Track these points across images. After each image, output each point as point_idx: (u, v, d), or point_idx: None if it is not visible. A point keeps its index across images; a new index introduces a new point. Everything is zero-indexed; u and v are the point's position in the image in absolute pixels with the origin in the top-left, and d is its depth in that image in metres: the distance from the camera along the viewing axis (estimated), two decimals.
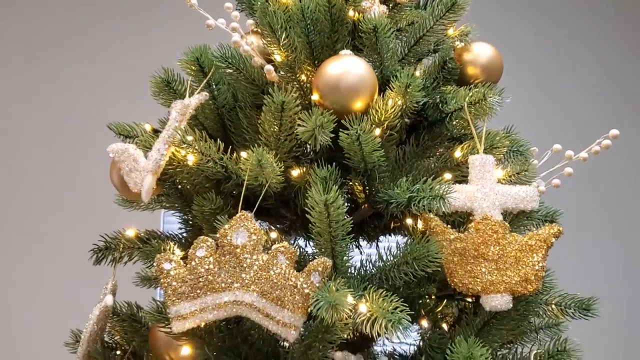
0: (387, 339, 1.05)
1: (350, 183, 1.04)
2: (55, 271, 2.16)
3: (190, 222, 1.15)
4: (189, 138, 0.95)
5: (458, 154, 1.00)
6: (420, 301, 0.96)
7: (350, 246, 1.00)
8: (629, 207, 2.72)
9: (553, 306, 1.07)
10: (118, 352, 1.07)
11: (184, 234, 1.15)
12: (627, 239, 2.70)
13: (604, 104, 2.79)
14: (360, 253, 1.10)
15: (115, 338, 1.09)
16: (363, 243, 1.16)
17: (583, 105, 2.77)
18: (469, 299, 1.05)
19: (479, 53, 1.14)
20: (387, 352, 1.09)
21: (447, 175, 0.96)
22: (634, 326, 2.59)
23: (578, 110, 2.74)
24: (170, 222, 1.20)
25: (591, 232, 2.62)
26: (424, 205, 0.87)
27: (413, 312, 0.81)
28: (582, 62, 2.83)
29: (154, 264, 0.87)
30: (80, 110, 2.41)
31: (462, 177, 1.00)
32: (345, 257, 0.91)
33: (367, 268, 0.95)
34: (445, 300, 0.99)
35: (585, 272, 2.49)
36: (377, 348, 1.10)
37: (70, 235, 1.75)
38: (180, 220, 1.20)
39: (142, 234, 1.12)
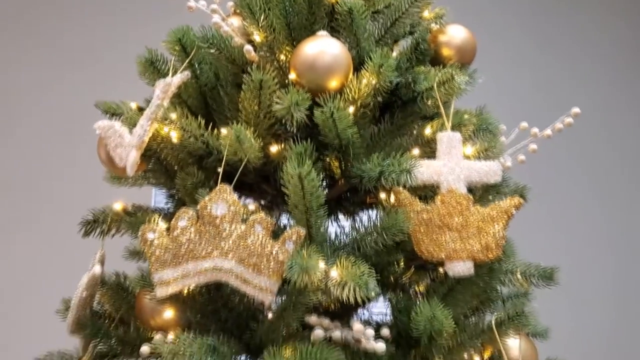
0: (365, 307, 1.11)
1: (327, 159, 1.09)
2: (47, 244, 2.22)
3: (175, 197, 1.21)
4: (172, 115, 1.00)
5: (428, 131, 1.06)
6: (389, 268, 1.02)
7: (329, 220, 1.06)
8: (607, 183, 2.78)
9: (518, 275, 1.14)
10: (106, 321, 1.12)
11: (170, 208, 1.20)
12: (604, 214, 2.77)
13: (582, 81, 2.84)
14: (339, 227, 1.16)
15: (104, 306, 1.14)
16: (342, 218, 1.22)
17: (562, 84, 2.82)
18: (441, 269, 1.12)
19: (454, 35, 1.19)
20: (363, 319, 1.15)
21: (415, 151, 1.02)
22: (615, 298, 2.67)
23: (556, 89, 2.79)
24: (161, 202, 1.26)
25: (570, 208, 2.69)
26: (392, 179, 0.93)
27: (379, 277, 0.87)
28: (562, 40, 2.87)
29: (139, 234, 0.93)
30: (71, 90, 2.45)
31: (432, 154, 1.05)
32: (320, 229, 0.96)
33: (341, 239, 1.01)
34: (413, 268, 1.05)
35: (564, 246, 2.56)
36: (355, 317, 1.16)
37: (62, 210, 1.79)
38: (165, 195, 1.25)
39: (129, 208, 1.17)
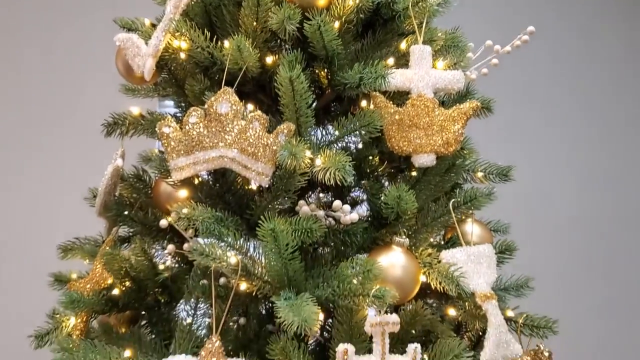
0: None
1: (316, 70, 1.25)
2: (72, 144, 2.37)
3: (183, 105, 1.38)
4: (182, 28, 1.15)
5: (403, 45, 1.22)
6: (366, 161, 1.20)
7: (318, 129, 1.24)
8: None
9: (479, 173, 1.33)
10: (128, 207, 1.31)
11: (177, 114, 1.37)
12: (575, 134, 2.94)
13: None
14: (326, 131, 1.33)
15: (125, 197, 1.34)
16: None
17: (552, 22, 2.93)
18: (414, 173, 1.30)
19: None
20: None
21: (390, 61, 1.18)
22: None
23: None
24: None
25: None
26: (370, 84, 1.10)
27: (355, 162, 1.05)
28: None
29: (156, 128, 1.11)
30: (88, 10, 2.52)
31: (406, 65, 1.21)
32: (308, 128, 1.14)
33: (327, 138, 1.19)
34: (387, 162, 1.23)
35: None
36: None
37: (86, 114, 1.93)
38: (175, 105, 1.42)
39: (145, 113, 1.35)
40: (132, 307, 1.24)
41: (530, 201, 2.64)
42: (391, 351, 1.01)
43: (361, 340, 1.03)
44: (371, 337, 1.01)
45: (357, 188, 1.24)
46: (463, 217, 1.25)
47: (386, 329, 0.99)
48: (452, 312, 1.19)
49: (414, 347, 1.00)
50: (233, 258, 1.02)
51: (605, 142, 2.86)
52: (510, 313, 1.21)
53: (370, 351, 1.00)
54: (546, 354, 1.19)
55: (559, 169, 2.77)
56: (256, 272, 1.05)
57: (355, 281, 1.01)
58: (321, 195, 1.32)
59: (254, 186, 1.14)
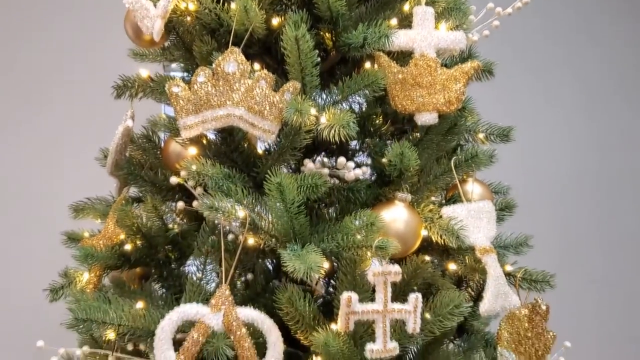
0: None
1: (321, 32, 1.28)
2: (83, 107, 2.38)
3: (190, 69, 1.40)
4: None
5: (406, 7, 1.24)
6: (370, 120, 1.23)
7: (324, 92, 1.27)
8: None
9: (480, 134, 1.36)
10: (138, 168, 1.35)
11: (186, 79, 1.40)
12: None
13: None
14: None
15: (135, 158, 1.37)
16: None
17: None
18: (417, 134, 1.33)
19: None
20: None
21: (393, 21, 1.20)
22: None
23: None
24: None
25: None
26: (374, 43, 1.13)
27: (359, 120, 1.08)
28: None
29: (166, 88, 1.13)
30: None
31: (409, 26, 1.23)
32: (313, 88, 1.17)
33: (332, 98, 1.21)
34: (390, 123, 1.26)
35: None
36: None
37: (95, 78, 1.94)
38: (182, 69, 1.45)
39: (154, 76, 1.37)
40: (143, 263, 1.28)
41: (530, 165, 2.65)
42: (393, 301, 1.05)
43: (364, 290, 1.08)
44: (374, 289, 1.06)
45: (361, 152, 1.27)
46: (464, 177, 1.28)
47: (388, 278, 1.03)
48: (452, 267, 1.23)
49: (415, 296, 1.04)
50: (241, 212, 1.05)
51: (604, 103, 2.85)
52: (509, 268, 1.25)
53: (373, 300, 1.04)
54: (544, 307, 1.23)
55: (559, 133, 2.78)
56: (263, 226, 1.09)
57: (358, 234, 1.04)
58: (325, 160, 1.35)
59: (260, 149, 1.17)
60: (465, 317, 1.36)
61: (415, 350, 1.28)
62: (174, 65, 1.53)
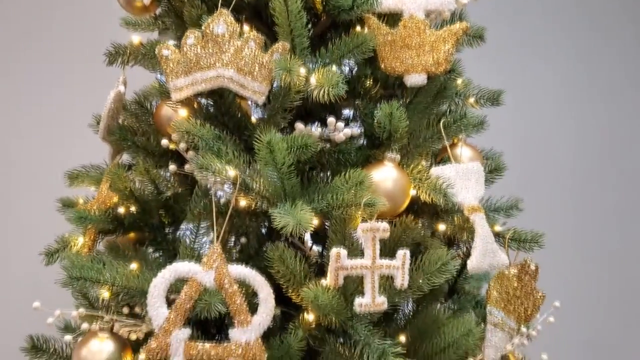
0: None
1: None
2: (75, 73, 2.37)
3: (180, 37, 1.40)
4: None
5: None
6: (360, 81, 1.24)
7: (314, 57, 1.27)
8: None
9: (470, 99, 1.37)
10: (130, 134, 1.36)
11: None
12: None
13: None
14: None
15: (127, 124, 1.38)
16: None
17: None
18: (409, 99, 1.34)
19: None
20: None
21: None
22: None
23: None
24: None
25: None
26: (363, 5, 1.13)
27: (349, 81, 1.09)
28: None
29: (156, 51, 1.14)
30: None
31: None
32: (303, 49, 1.17)
33: (322, 61, 1.22)
34: (380, 84, 1.27)
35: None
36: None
37: (87, 46, 1.93)
38: (174, 38, 1.45)
39: (144, 42, 1.38)
40: (137, 227, 1.30)
41: (522, 132, 2.64)
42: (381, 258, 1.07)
43: (354, 249, 1.09)
44: (362, 251, 1.07)
45: (353, 122, 1.28)
46: (454, 141, 1.29)
47: (376, 235, 1.04)
48: (441, 227, 1.25)
49: (403, 252, 1.06)
50: (232, 171, 1.07)
51: (599, 68, 2.83)
52: (498, 228, 1.27)
53: (362, 257, 1.06)
54: (533, 267, 1.25)
55: (553, 97, 2.75)
56: (254, 187, 1.10)
57: (348, 193, 1.06)
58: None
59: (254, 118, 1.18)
60: (455, 279, 1.39)
61: (406, 312, 1.31)
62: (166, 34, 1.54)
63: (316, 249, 1.38)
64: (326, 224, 1.37)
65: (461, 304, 1.31)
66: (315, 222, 1.02)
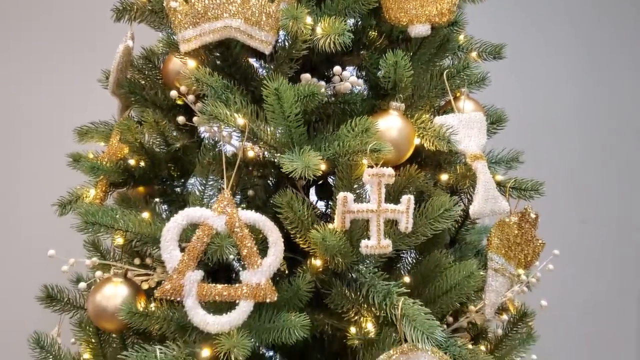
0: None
1: None
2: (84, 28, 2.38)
3: None
4: None
5: None
6: (364, 32, 1.26)
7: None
8: None
9: (473, 53, 1.39)
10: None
11: None
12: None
13: None
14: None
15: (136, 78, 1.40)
16: None
17: None
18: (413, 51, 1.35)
19: None
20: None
21: None
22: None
23: None
24: None
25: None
26: None
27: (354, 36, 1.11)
28: None
29: (164, 3, 1.16)
30: None
31: None
32: (308, 0, 1.19)
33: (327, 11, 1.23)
34: (385, 36, 1.29)
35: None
36: None
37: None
38: None
39: None
40: (147, 180, 1.33)
41: (525, 88, 2.65)
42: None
43: (358, 196, 1.12)
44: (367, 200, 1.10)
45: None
46: (457, 94, 1.32)
47: (382, 180, 1.08)
48: (444, 177, 1.28)
49: (407, 197, 1.09)
50: (240, 119, 1.09)
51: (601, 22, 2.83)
52: (499, 177, 1.30)
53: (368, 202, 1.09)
54: (533, 215, 1.28)
55: (556, 54, 2.76)
56: (262, 136, 1.13)
57: (354, 140, 1.08)
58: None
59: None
60: (457, 230, 1.43)
61: (409, 260, 1.35)
62: None
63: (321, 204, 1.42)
64: (330, 179, 1.41)
65: (462, 253, 1.35)
66: (323, 167, 1.05)
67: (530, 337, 1.38)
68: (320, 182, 1.43)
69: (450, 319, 1.35)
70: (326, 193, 1.42)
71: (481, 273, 1.18)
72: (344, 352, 1.27)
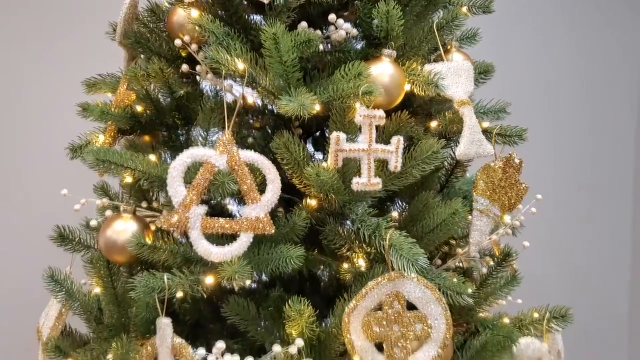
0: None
1: None
2: None
3: None
4: None
5: None
6: None
7: None
8: None
9: (463, 8, 1.45)
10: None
11: None
12: None
13: None
14: None
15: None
16: None
17: None
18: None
19: None
20: None
21: None
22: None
23: None
24: None
25: None
26: None
27: None
28: None
29: None
30: None
31: None
32: None
33: None
34: None
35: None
36: None
37: None
38: None
39: None
40: (153, 126, 1.40)
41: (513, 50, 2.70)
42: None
43: (352, 137, 1.20)
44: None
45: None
46: (447, 47, 1.38)
47: (373, 121, 1.15)
48: (434, 123, 1.35)
49: (397, 138, 1.17)
50: (240, 64, 1.16)
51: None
52: (485, 124, 1.37)
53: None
54: (517, 160, 1.36)
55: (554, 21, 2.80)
56: (261, 82, 1.20)
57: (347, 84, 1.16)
58: None
59: None
60: (447, 178, 1.51)
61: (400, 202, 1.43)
62: None
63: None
64: (326, 131, 1.48)
65: (450, 197, 1.42)
66: (318, 107, 1.12)
67: (514, 279, 1.47)
68: (318, 132, 1.50)
69: (439, 262, 1.44)
70: (322, 145, 1.49)
71: (466, 209, 1.26)
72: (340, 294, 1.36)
